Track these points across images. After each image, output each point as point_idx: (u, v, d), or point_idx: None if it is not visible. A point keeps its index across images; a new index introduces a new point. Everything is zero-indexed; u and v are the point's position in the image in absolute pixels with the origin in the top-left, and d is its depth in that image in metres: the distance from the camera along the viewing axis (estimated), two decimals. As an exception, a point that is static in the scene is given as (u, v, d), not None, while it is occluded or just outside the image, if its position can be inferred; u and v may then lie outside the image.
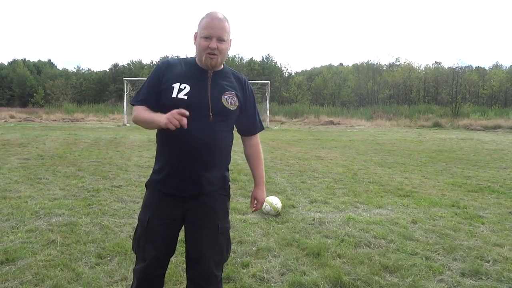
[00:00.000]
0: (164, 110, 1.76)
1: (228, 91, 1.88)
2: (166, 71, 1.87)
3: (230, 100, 1.87)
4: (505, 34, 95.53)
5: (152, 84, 1.89)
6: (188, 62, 1.92)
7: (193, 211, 1.88)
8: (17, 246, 3.28)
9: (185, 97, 1.81)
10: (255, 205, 2.13)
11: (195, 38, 1.88)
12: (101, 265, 2.97)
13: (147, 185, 1.96)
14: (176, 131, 1.72)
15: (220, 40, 1.81)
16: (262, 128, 2.09)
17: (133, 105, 1.94)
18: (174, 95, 1.81)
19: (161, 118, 1.69)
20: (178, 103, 1.78)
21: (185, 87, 1.82)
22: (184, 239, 1.94)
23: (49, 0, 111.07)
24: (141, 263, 1.93)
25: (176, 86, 1.82)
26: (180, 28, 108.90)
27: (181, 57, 1.99)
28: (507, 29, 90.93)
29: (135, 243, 1.96)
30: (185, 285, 2.70)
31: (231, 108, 1.87)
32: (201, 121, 1.80)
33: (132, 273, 2.03)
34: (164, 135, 1.84)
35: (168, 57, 57.90)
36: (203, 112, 1.81)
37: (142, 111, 1.85)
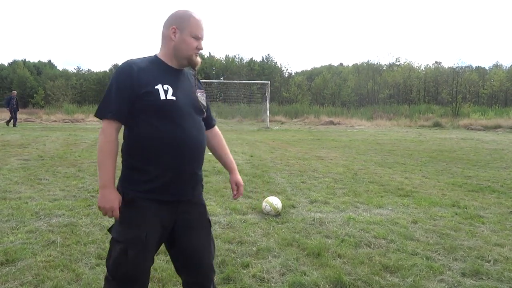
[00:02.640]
0: (150, 114, 1.72)
1: (198, 88, 1.90)
2: (140, 74, 1.72)
3: (202, 97, 1.91)
4: (505, 34, 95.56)
5: (125, 91, 1.71)
6: (154, 62, 1.81)
7: (187, 212, 1.84)
8: (17, 247, 3.28)
9: (174, 98, 1.75)
10: (236, 191, 2.16)
11: (174, 33, 1.78)
12: (102, 265, 2.96)
13: (132, 199, 1.73)
14: (173, 133, 1.73)
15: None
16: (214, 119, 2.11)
17: (101, 118, 1.73)
18: (162, 97, 1.72)
19: (102, 195, 1.70)
20: (167, 105, 1.73)
21: (167, 88, 1.75)
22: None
23: (49, 0, 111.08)
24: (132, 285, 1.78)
25: (159, 88, 1.73)
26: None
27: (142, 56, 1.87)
28: (507, 29, 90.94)
29: (124, 266, 1.73)
30: (185, 286, 2.70)
31: (205, 104, 1.92)
32: (192, 120, 1.80)
33: None
34: (159, 139, 1.73)
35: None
36: (191, 111, 1.81)
37: (110, 156, 1.71)
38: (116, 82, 1.72)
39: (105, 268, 1.85)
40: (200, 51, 1.83)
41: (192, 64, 1.84)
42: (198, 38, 1.79)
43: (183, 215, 1.83)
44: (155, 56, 1.84)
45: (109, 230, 1.83)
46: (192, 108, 1.82)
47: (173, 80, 1.80)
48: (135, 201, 1.73)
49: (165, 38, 1.81)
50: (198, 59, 1.84)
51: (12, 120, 19.70)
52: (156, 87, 1.72)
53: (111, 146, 1.71)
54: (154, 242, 1.78)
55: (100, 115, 1.73)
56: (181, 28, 1.78)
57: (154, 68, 1.78)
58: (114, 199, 1.71)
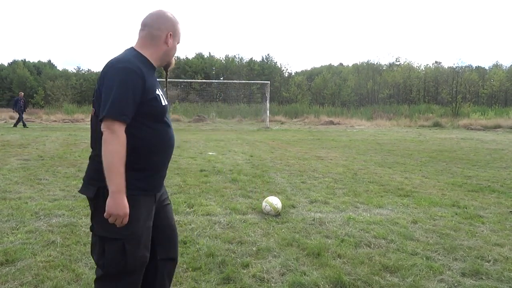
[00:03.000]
0: (151, 118, 1.77)
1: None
2: (148, 79, 1.74)
3: None
4: (505, 33, 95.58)
5: (138, 95, 1.70)
6: (146, 63, 1.81)
7: (160, 197, 1.99)
8: (17, 247, 3.28)
9: (166, 103, 1.88)
10: None
11: (170, 37, 1.84)
12: (101, 265, 2.97)
13: (136, 197, 1.75)
14: (166, 134, 1.85)
15: None
16: None
17: (115, 120, 1.64)
18: (163, 103, 1.82)
19: (115, 201, 1.63)
20: (165, 110, 1.85)
21: (161, 93, 1.85)
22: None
23: (49, 0, 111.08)
24: (132, 277, 1.82)
25: (159, 93, 1.81)
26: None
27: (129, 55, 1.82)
28: (507, 28, 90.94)
29: (122, 262, 1.76)
30: (185, 286, 2.70)
31: None
32: (170, 120, 1.97)
33: None
34: (157, 141, 1.81)
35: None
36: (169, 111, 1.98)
37: (124, 161, 1.65)
38: (132, 85, 1.67)
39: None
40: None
41: (169, 66, 1.96)
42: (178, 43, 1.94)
43: (159, 199, 1.97)
44: (141, 54, 1.81)
45: (92, 228, 1.82)
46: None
47: (157, 82, 1.88)
48: (130, 198, 1.70)
49: (157, 39, 1.83)
50: (173, 61, 1.98)
51: (19, 121, 19.50)
52: (157, 93, 1.79)
53: (124, 150, 1.67)
54: (149, 233, 1.84)
55: (115, 116, 1.64)
56: (174, 35, 1.87)
57: (149, 71, 1.80)
58: (127, 205, 1.67)
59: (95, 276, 1.89)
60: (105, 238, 1.76)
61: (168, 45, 1.84)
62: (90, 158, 1.88)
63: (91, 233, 1.86)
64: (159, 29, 1.82)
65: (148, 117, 1.76)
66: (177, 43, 1.90)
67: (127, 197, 1.69)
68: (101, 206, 1.69)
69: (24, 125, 19.38)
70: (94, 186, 1.73)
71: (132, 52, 1.80)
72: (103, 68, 1.73)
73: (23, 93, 21.50)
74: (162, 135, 1.83)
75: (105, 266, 1.78)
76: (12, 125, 19.57)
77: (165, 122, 1.85)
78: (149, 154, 1.79)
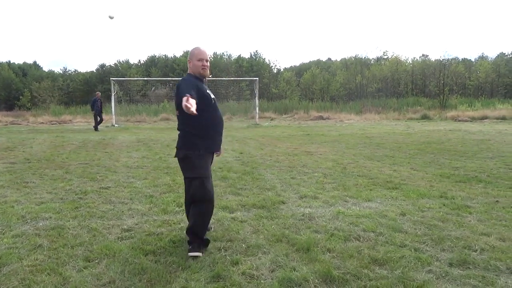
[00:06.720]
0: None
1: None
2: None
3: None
4: (490, 25, 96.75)
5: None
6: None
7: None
8: (3, 252, 3.23)
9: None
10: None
11: (189, 62, 3.47)
12: (89, 268, 2.93)
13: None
14: None
15: None
16: None
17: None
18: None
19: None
20: None
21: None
22: None
23: (34, 0, 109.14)
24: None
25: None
26: (167, 27, 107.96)
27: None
28: (492, 20, 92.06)
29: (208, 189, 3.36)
30: (175, 285, 2.68)
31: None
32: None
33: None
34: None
35: (155, 56, 57.59)
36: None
37: None
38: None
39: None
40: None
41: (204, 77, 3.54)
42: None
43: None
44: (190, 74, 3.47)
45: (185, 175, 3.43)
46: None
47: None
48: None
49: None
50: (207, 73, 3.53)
51: (100, 122, 18.47)
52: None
53: None
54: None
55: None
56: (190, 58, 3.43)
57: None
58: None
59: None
60: (190, 178, 3.28)
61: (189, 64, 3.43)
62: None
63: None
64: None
65: None
66: (197, 61, 3.38)
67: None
68: (189, 163, 3.24)
69: (96, 128, 18.16)
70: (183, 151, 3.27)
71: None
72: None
73: (100, 93, 19.78)
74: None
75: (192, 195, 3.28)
76: (94, 129, 18.20)
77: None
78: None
